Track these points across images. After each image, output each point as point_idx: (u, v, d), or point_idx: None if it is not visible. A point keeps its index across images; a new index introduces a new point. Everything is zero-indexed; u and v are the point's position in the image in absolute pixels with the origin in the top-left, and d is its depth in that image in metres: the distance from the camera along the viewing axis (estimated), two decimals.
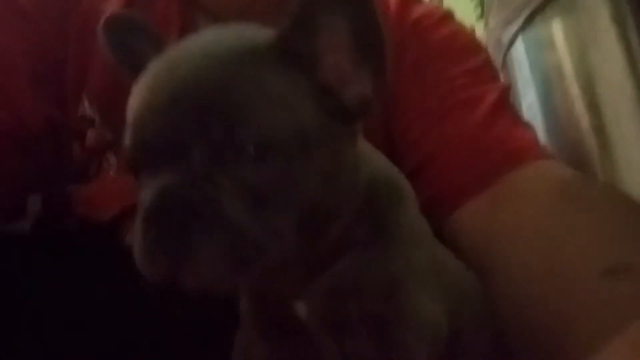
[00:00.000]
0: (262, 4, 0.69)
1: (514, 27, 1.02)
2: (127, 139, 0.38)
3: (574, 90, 0.91)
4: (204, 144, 0.35)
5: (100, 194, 0.69)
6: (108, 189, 0.69)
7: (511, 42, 1.05)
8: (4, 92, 0.65)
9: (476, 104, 0.67)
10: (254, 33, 0.39)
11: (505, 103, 0.69)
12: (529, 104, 1.01)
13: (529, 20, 0.99)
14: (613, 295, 0.46)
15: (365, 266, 0.43)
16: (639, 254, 0.48)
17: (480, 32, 1.46)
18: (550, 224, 0.55)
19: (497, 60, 1.10)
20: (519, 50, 1.04)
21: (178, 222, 0.34)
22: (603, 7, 0.88)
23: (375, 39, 0.37)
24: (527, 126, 0.68)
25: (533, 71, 1.01)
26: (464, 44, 0.74)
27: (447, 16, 0.77)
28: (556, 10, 0.95)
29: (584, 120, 0.89)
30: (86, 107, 0.69)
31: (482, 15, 1.47)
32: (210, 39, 0.40)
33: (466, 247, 0.59)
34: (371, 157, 0.47)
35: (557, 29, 0.96)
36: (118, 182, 0.69)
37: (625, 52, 0.86)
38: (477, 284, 0.54)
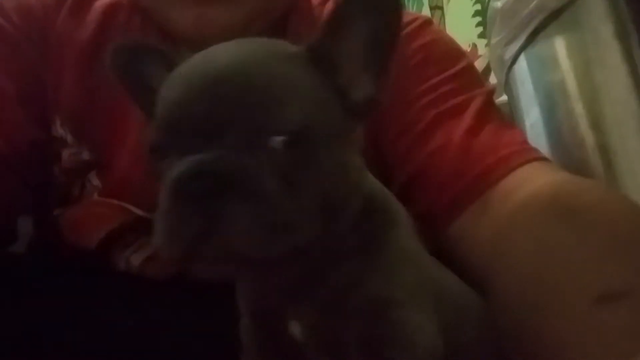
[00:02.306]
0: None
1: (516, 45, 1.02)
2: (158, 122, 0.40)
3: (578, 108, 0.90)
4: (240, 128, 0.36)
5: (86, 219, 0.69)
6: (92, 212, 0.69)
7: (514, 60, 1.04)
8: None
9: (462, 112, 0.66)
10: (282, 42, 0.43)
11: (491, 107, 0.68)
12: (533, 122, 1.00)
13: (531, 38, 0.99)
14: (607, 325, 0.44)
15: (354, 283, 0.42)
16: (638, 276, 0.45)
17: (482, 49, 1.47)
18: (543, 241, 0.52)
19: (500, 78, 1.10)
20: (522, 68, 1.03)
21: (212, 191, 0.35)
22: (606, 24, 0.88)
23: (392, 44, 0.41)
24: (514, 128, 0.68)
25: (536, 89, 1.00)
26: (444, 51, 0.74)
27: (427, 24, 0.76)
28: (559, 27, 0.95)
29: (589, 138, 0.88)
30: (58, 128, 0.69)
31: (484, 32, 1.47)
32: (242, 42, 0.42)
33: (460, 261, 0.57)
34: (368, 176, 0.48)
35: (560, 46, 0.95)
36: (102, 205, 0.68)
37: (629, 69, 0.85)
38: (478, 302, 0.53)
